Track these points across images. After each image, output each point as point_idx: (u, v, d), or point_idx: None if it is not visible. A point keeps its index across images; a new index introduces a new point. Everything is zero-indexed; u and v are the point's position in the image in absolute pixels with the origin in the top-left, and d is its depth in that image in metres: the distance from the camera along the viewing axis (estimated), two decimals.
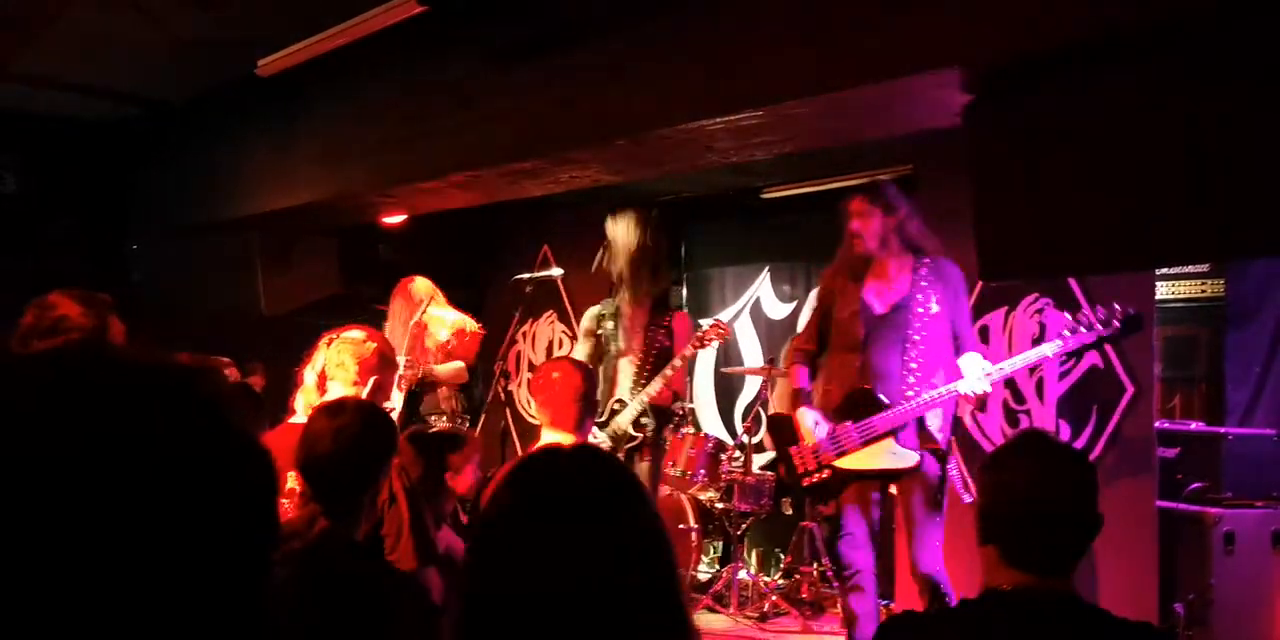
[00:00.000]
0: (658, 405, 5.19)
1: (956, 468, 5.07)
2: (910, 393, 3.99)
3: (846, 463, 4.07)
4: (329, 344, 3.40)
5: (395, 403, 5.61)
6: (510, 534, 1.26)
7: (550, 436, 3.38)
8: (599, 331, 5.39)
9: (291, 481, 2.72)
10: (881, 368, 4.06)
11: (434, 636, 2.45)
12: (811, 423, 4.16)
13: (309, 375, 3.41)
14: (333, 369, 3.34)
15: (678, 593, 1.26)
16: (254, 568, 0.72)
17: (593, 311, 5.47)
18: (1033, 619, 1.80)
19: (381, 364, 3.39)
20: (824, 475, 4.12)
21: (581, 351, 5.42)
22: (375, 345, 3.40)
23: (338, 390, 3.26)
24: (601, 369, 5.30)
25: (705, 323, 5.21)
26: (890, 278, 4.12)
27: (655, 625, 1.22)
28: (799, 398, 4.31)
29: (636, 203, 5.75)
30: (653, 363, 5.24)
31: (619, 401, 5.23)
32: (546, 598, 1.19)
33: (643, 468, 5.23)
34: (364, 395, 3.24)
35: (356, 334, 3.43)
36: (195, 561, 0.69)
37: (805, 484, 4.17)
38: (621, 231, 5.41)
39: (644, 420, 5.19)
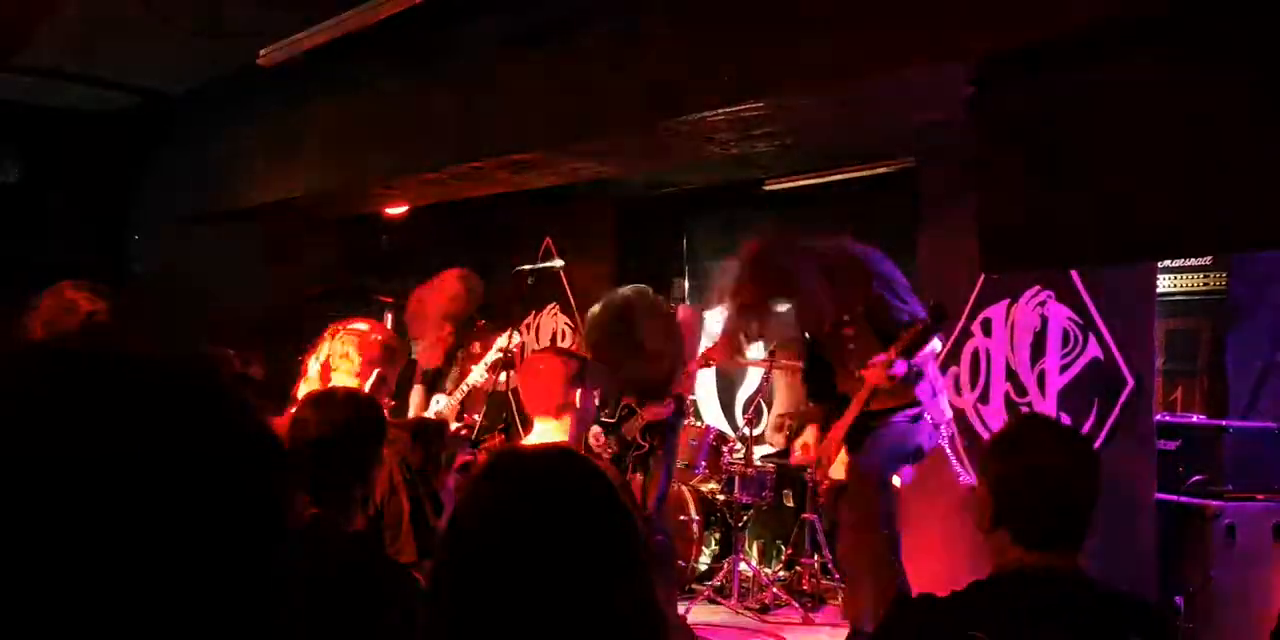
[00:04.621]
0: (655, 422, 5.10)
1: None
2: (849, 396, 4.14)
3: (834, 472, 4.27)
4: (334, 335, 3.40)
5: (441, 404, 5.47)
6: (471, 529, 1.32)
7: (540, 426, 3.38)
8: None
9: None
10: (841, 379, 4.22)
11: None
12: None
13: (313, 365, 3.41)
14: (336, 360, 3.34)
15: (633, 593, 1.28)
16: (262, 558, 0.72)
17: None
18: (1049, 594, 1.82)
19: (385, 356, 3.39)
20: (824, 487, 4.34)
21: None
22: (380, 338, 3.41)
23: (341, 381, 3.27)
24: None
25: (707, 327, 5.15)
26: None
27: (607, 621, 1.25)
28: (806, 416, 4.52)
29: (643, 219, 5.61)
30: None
31: (626, 408, 5.15)
32: (503, 591, 1.24)
33: (650, 475, 5.15)
34: (366, 387, 3.24)
35: (362, 326, 3.43)
36: (204, 553, 0.69)
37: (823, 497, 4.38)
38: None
39: (649, 434, 5.11)
